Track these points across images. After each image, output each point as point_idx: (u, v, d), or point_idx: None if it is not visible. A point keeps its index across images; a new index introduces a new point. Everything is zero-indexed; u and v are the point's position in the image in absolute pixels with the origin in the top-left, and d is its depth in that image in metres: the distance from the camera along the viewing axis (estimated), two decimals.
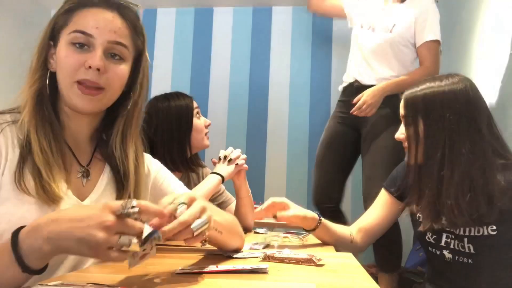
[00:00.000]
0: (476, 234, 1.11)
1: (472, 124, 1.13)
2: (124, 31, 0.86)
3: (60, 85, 0.84)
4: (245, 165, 1.60)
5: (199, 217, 0.70)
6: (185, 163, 1.60)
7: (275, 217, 1.36)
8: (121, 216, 0.60)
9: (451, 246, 1.16)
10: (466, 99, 1.15)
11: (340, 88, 2.28)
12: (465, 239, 1.13)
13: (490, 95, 1.99)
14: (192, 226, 0.68)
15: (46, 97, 0.83)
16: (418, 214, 1.26)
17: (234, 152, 1.59)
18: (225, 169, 1.55)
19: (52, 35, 0.85)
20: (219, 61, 3.41)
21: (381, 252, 1.95)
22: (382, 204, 1.40)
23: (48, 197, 0.77)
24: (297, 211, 1.33)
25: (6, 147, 0.79)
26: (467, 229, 1.13)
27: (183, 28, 3.48)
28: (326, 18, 3.36)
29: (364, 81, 2.10)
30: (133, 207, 0.61)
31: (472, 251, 1.12)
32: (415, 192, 1.20)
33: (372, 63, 2.10)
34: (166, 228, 0.65)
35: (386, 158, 1.89)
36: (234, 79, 3.37)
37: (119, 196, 0.90)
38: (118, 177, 0.91)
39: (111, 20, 0.84)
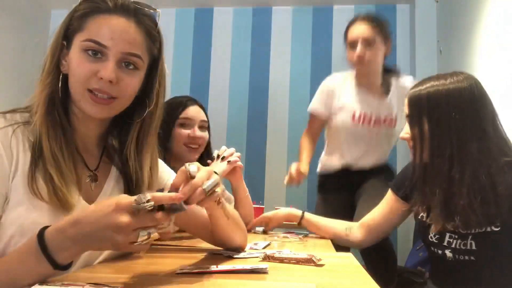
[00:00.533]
0: (479, 230, 1.11)
1: (478, 123, 1.12)
2: (139, 41, 0.84)
3: (71, 89, 0.83)
4: (239, 163, 1.59)
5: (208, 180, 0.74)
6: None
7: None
8: (136, 211, 0.62)
9: (453, 246, 1.16)
10: (471, 97, 1.13)
11: (321, 170, 2.18)
12: (469, 237, 1.13)
13: (491, 93, 1.99)
14: (204, 187, 0.71)
15: (58, 100, 0.83)
16: (421, 214, 1.26)
17: (227, 151, 1.58)
18: (219, 167, 1.53)
19: (65, 36, 0.84)
20: (219, 61, 3.41)
21: (373, 268, 1.91)
22: (386, 203, 1.41)
23: (61, 204, 0.77)
24: (278, 214, 1.59)
25: (17, 150, 0.78)
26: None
27: (183, 28, 3.48)
28: (325, 18, 3.37)
29: (361, 166, 2.05)
30: (148, 201, 0.62)
31: (474, 247, 1.12)
32: (422, 192, 1.19)
33: (374, 150, 2.06)
34: (180, 192, 0.68)
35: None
36: (234, 79, 3.38)
37: None
38: (131, 184, 0.90)
39: (127, 30, 0.82)
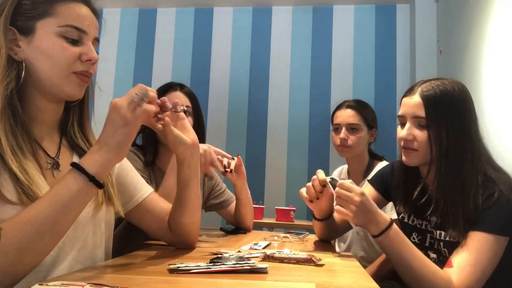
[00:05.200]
0: (452, 240, 1.09)
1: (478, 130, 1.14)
2: (98, 26, 0.91)
3: (45, 75, 0.82)
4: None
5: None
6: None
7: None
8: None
9: (435, 247, 1.16)
10: (472, 103, 1.14)
11: None
12: (441, 243, 1.13)
13: (492, 93, 1.99)
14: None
15: (15, 93, 0.80)
16: (402, 215, 1.27)
17: (231, 163, 1.56)
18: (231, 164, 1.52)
19: (14, 20, 0.82)
20: (219, 61, 3.41)
21: None
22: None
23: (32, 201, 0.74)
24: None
25: None
26: (443, 233, 1.12)
27: (183, 28, 3.48)
28: (325, 18, 3.37)
29: None
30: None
31: (447, 255, 1.11)
32: (434, 199, 1.15)
33: None
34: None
35: None
36: (234, 79, 3.38)
37: None
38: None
39: (92, 17, 0.89)
